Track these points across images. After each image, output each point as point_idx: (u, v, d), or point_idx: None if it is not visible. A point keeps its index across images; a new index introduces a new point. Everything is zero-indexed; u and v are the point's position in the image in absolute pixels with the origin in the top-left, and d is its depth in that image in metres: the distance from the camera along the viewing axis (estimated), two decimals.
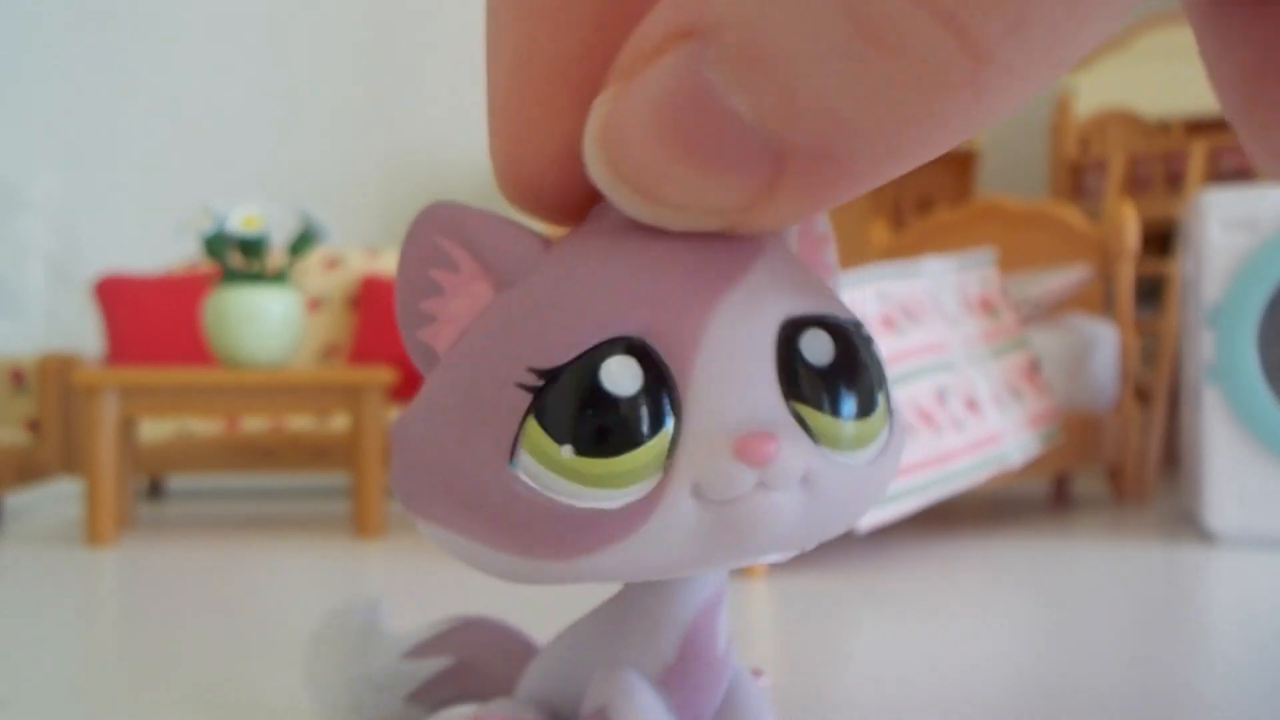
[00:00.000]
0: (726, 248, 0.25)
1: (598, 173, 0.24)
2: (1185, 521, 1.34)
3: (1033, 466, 1.23)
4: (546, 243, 0.28)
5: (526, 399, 0.25)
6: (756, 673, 0.41)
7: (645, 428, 0.24)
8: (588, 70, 0.25)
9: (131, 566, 1.13)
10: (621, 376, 0.25)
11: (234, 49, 2.31)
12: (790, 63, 0.19)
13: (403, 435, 0.27)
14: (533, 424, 0.25)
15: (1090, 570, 1.06)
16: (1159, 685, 0.62)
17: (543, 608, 0.36)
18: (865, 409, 0.26)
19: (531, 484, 0.25)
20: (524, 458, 0.25)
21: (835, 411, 0.25)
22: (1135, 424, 1.54)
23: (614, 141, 0.23)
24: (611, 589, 0.33)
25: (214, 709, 0.57)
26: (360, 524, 1.31)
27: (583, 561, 0.25)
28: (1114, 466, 1.54)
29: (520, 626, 0.44)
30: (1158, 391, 1.67)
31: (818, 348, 0.25)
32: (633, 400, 0.24)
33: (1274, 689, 0.61)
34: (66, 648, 0.75)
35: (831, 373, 0.25)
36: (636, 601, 0.33)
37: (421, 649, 0.44)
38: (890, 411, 0.27)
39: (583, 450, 0.24)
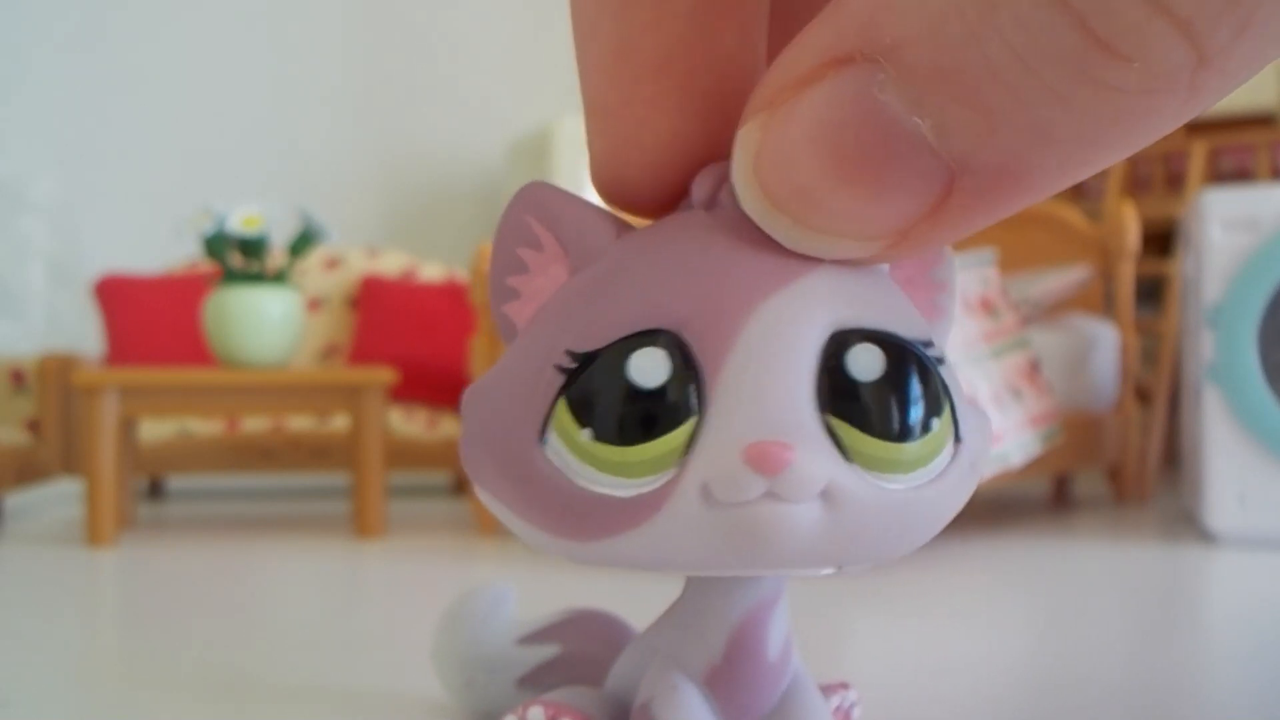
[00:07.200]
0: (787, 251, 0.25)
1: (752, 204, 0.23)
2: (1185, 521, 1.34)
3: (1033, 466, 1.23)
4: (621, 229, 0.28)
5: (561, 380, 0.25)
6: (843, 686, 0.40)
7: (663, 422, 0.24)
8: (689, 64, 0.24)
9: (131, 566, 1.13)
10: (648, 368, 0.24)
11: (234, 49, 2.31)
12: (996, 80, 0.18)
13: (469, 402, 0.28)
14: (562, 406, 0.25)
15: (1090, 570, 1.06)
16: (1159, 685, 0.62)
17: (657, 600, 0.37)
18: (912, 432, 0.25)
19: (556, 463, 0.25)
20: (552, 437, 0.25)
21: (873, 430, 0.24)
22: (1135, 424, 1.54)
23: (773, 171, 0.22)
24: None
25: (214, 709, 0.57)
26: (360, 524, 1.31)
27: (598, 546, 0.25)
28: (1114, 466, 1.54)
29: (628, 619, 0.44)
30: (1158, 391, 1.67)
31: (865, 362, 0.25)
32: (655, 393, 0.24)
33: (1274, 689, 0.61)
34: (66, 648, 0.75)
35: (876, 390, 0.24)
36: (692, 598, 0.32)
37: (534, 636, 0.45)
38: (958, 439, 0.26)
39: (600, 436, 0.25)
